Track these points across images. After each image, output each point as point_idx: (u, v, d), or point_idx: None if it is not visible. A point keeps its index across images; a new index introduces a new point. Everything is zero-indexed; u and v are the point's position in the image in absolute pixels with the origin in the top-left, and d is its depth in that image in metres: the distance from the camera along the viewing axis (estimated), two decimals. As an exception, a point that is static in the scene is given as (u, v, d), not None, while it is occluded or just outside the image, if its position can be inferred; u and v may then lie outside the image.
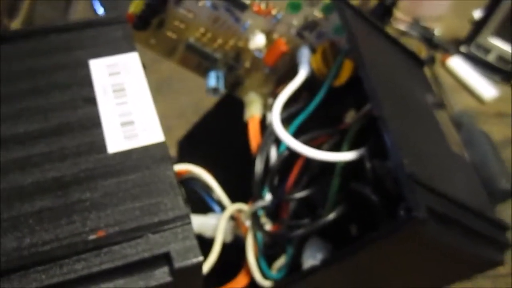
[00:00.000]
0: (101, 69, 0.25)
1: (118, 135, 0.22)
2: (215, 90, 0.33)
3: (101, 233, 0.19)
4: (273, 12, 0.31)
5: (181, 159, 0.44)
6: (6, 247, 0.18)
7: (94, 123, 0.23)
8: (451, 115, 0.53)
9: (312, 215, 0.29)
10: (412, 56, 0.36)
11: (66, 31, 0.26)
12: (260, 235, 0.29)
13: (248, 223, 0.29)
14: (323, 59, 0.32)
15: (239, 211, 0.30)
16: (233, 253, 0.31)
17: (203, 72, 0.34)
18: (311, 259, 0.28)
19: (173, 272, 0.19)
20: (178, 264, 0.19)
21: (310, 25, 0.32)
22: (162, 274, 0.19)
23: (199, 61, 0.34)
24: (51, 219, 0.19)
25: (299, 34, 0.32)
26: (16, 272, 0.18)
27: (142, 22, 0.30)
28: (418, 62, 0.36)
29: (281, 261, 0.30)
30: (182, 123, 0.46)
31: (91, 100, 0.23)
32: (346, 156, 0.25)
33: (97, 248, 0.19)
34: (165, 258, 0.19)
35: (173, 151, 0.46)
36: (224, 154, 0.40)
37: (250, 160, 0.33)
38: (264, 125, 0.35)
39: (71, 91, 0.24)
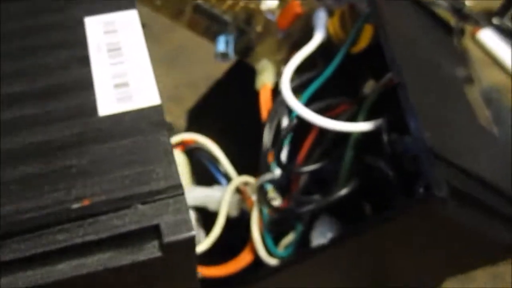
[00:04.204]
0: (97, 27, 0.23)
1: (110, 97, 0.21)
2: (224, 55, 0.31)
3: (86, 202, 0.17)
4: (288, -31, 0.28)
5: (191, 129, 0.43)
6: (-15, 214, 0.17)
7: (85, 84, 0.21)
8: (479, 91, 0.50)
9: (323, 191, 0.28)
10: (442, 24, 0.33)
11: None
12: (266, 210, 0.27)
13: (254, 197, 0.28)
14: (341, 23, 0.29)
15: (246, 184, 0.28)
16: (238, 229, 0.29)
17: (213, 37, 0.32)
18: (321, 237, 0.26)
19: (162, 246, 0.17)
20: (168, 238, 0.17)
21: (328, -15, 0.29)
22: (151, 248, 0.17)
23: (208, 24, 0.31)
24: (34, 186, 0.18)
25: (316, -5, 0.30)
26: (-6, 241, 0.17)
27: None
28: (449, 31, 0.33)
29: (289, 238, 0.28)
30: (195, 94, 0.45)
31: (84, 60, 0.22)
32: (361, 126, 0.23)
33: (81, 218, 0.17)
34: (155, 231, 0.17)
35: (183, 122, 0.45)
36: (235, 125, 0.38)
37: (261, 131, 0.31)
38: (277, 94, 0.33)
39: (63, 51, 0.22)
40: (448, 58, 0.31)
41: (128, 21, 0.23)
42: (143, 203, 0.17)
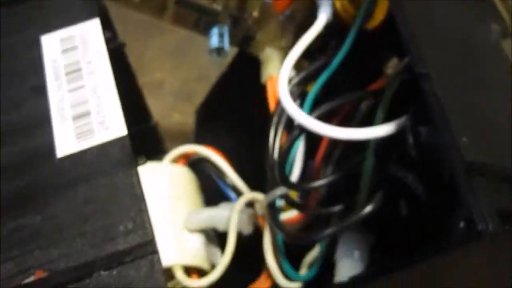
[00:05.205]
0: (54, 45, 0.20)
1: (69, 132, 0.17)
2: (219, 51, 0.27)
3: (40, 274, 0.14)
4: None
5: (200, 130, 0.39)
6: None
7: (41, 119, 0.18)
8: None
9: (348, 197, 0.23)
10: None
11: (17, 3, 0.21)
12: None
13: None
14: (350, -5, 0.24)
15: (255, 201, 0.24)
16: (255, 245, 0.26)
17: (204, 31, 0.28)
18: (347, 258, 0.22)
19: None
20: (139, 312, 0.14)
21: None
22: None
23: (196, 17, 0.27)
24: (-20, 256, 0.15)
25: (316, -34, 0.25)
26: None
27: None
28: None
29: (312, 255, 0.25)
30: (205, 87, 0.41)
31: (40, 89, 0.19)
32: (379, 131, 0.19)
33: (34, 296, 0.14)
34: (124, 304, 0.14)
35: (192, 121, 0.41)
36: (249, 121, 0.35)
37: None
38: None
39: (16, 81, 0.19)
40: (486, 19, 0.25)
41: (89, 33, 0.20)
42: (107, 268, 0.14)
